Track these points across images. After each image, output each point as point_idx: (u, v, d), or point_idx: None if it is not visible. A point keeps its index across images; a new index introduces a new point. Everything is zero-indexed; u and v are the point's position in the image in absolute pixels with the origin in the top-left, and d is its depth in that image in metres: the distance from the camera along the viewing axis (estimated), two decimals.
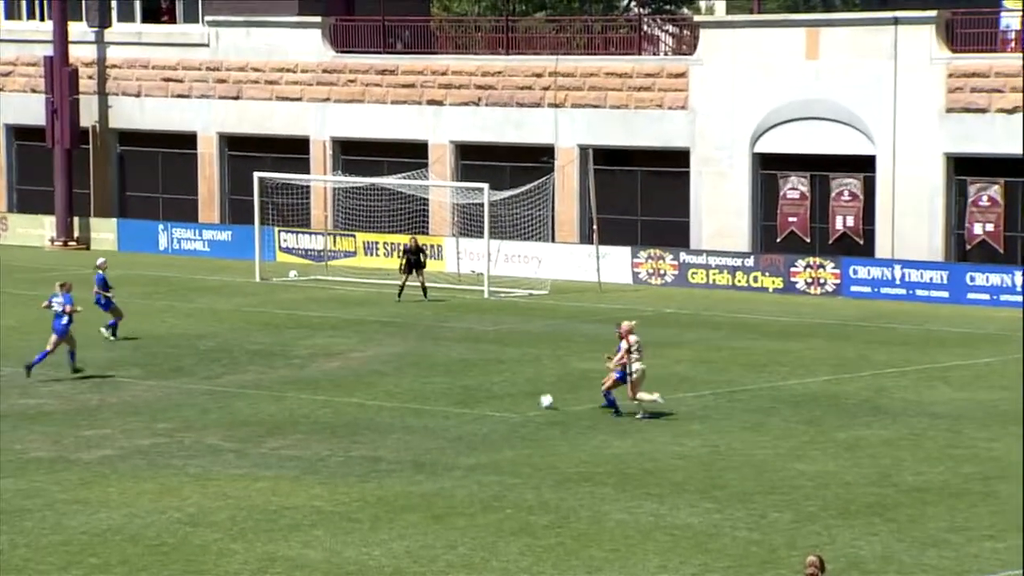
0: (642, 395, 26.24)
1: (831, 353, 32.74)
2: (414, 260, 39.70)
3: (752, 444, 24.55)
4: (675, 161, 45.16)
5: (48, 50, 51.15)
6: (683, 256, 43.36)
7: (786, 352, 32.80)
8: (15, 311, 37.38)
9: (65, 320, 29.19)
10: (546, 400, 27.01)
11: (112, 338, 33.41)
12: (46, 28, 51.82)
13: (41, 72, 51.59)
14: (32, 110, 52.17)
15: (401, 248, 41.00)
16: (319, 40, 49.32)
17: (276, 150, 49.65)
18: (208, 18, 50.66)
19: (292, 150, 49.44)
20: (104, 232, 51.00)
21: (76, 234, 51.21)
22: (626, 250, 43.96)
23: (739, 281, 42.49)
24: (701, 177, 44.72)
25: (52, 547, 19.18)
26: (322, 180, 48.21)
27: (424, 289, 39.64)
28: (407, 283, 39.56)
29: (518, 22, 54.07)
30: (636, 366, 26.05)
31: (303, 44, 49.47)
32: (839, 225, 43.04)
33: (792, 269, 41.99)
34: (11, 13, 53.42)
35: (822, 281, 41.69)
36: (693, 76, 44.77)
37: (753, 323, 36.82)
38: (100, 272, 33.82)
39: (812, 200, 43.40)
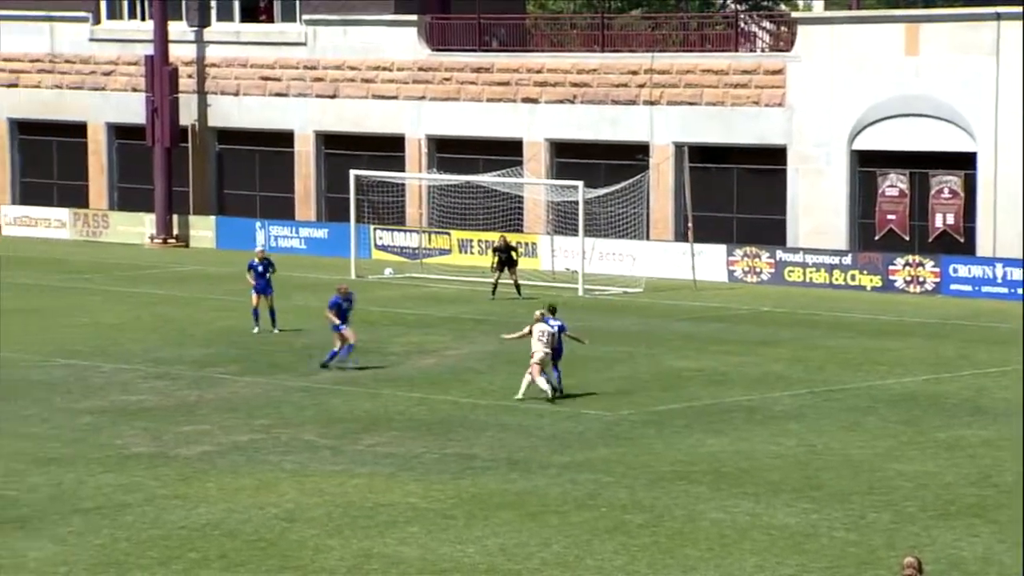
0: (540, 380, 26.96)
1: (930, 352, 32.40)
2: (505, 258, 39.77)
3: (849, 443, 24.35)
4: (772, 158, 44.87)
5: (149, 49, 51.80)
6: (779, 254, 43.06)
7: (884, 351, 32.50)
8: (115, 308, 37.90)
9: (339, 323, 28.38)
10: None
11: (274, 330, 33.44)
12: (147, 28, 52.47)
13: (142, 71, 52.26)
14: (132, 109, 52.85)
15: (492, 247, 41.05)
16: (415, 38, 49.53)
17: (372, 148, 49.93)
18: (305, 17, 51.05)
19: (388, 148, 49.71)
20: (202, 230, 51.55)
21: (175, 232, 51.82)
22: (721, 248, 43.74)
23: (836, 279, 42.13)
24: (798, 174, 44.39)
25: (152, 541, 19.44)
26: (417, 178, 48.41)
27: (517, 287, 39.69)
28: (500, 280, 39.62)
29: (614, 19, 53.97)
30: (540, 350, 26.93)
31: (399, 42, 49.72)
32: (939, 223, 42.56)
33: (891, 267, 41.58)
34: (113, 13, 54.16)
35: (921, 279, 41.24)
36: (790, 73, 44.45)
37: (850, 322, 36.52)
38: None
39: (911, 198, 42.95)
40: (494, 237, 46.02)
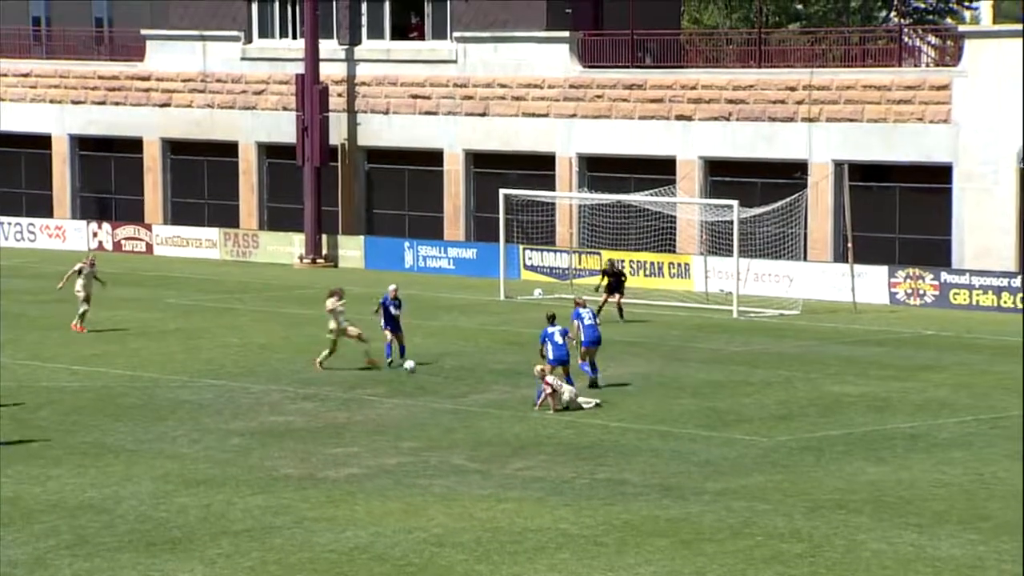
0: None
1: None
2: (613, 282, 39.28)
3: (1018, 473, 23.83)
4: (936, 177, 44.19)
5: (299, 68, 52.56)
6: (944, 276, 42.37)
7: None
8: (264, 328, 38.44)
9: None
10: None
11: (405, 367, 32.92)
12: (297, 46, 53.28)
13: (292, 90, 53.03)
14: (283, 128, 53.65)
15: (602, 269, 40.70)
16: (566, 55, 49.66)
17: (522, 167, 50.12)
18: (456, 34, 51.45)
19: (538, 166, 49.85)
20: (351, 250, 52.13)
21: (324, 251, 52.46)
22: (883, 269, 43.16)
23: (1004, 302, 41.32)
24: (964, 193, 43.67)
25: (300, 565, 19.64)
26: (568, 197, 48.48)
27: (620, 311, 39.12)
28: (608, 301, 39.06)
29: (771, 34, 53.61)
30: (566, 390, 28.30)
31: (550, 59, 49.88)
32: None
33: None
34: (264, 31, 55.07)
35: None
36: (956, 88, 43.76)
37: (1018, 346, 35.77)
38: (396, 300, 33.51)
39: None
40: (647, 257, 45.92)
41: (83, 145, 58.01)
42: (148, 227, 55.65)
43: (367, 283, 46.40)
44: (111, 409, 29.01)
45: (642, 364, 33.81)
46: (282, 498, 22.65)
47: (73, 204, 57.96)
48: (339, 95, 53.08)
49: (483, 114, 50.99)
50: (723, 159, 47.28)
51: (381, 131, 52.80)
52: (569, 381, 29.29)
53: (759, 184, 46.12)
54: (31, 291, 44.24)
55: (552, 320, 29.98)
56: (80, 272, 37.40)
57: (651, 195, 45.48)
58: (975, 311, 41.29)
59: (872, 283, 42.96)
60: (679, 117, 47.85)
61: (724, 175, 47.16)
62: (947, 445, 25.89)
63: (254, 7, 54.87)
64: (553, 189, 48.97)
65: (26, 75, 58.45)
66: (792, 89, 46.15)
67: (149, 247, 55.11)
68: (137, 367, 33.22)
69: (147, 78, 56.42)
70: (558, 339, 29.26)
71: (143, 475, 23.96)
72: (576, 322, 30.31)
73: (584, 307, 30.63)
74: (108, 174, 57.69)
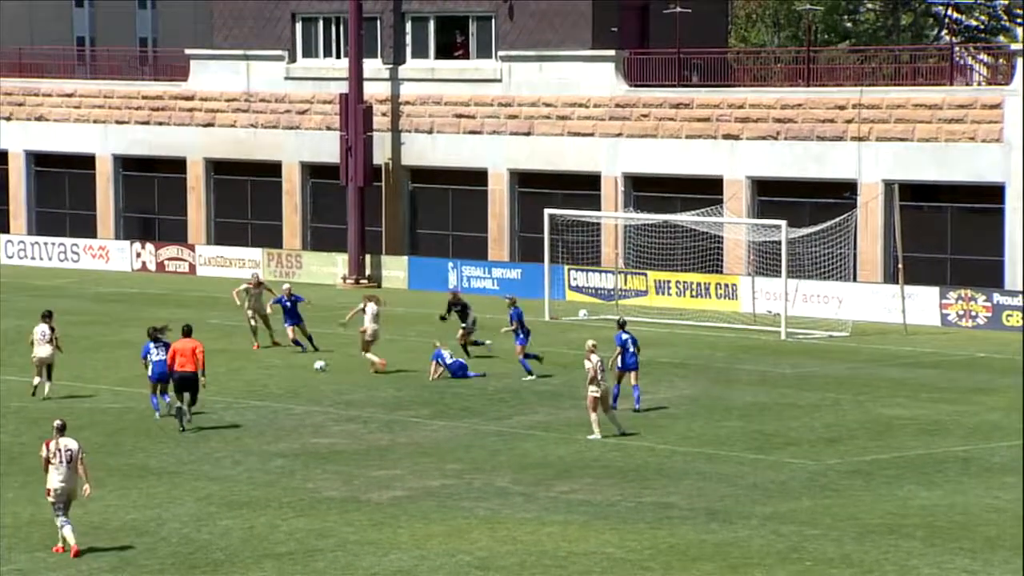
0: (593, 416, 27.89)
1: None
2: (459, 312, 37.26)
3: None
4: (988, 197, 43.95)
5: (343, 87, 52.77)
6: (997, 297, 42.10)
7: None
8: (308, 349, 38.48)
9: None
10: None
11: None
12: (341, 65, 53.49)
13: (336, 110, 53.23)
14: (326, 148, 53.85)
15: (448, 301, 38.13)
16: (612, 74, 49.68)
17: (567, 186, 50.13)
18: (501, 53, 51.56)
19: (583, 186, 49.85)
20: (395, 270, 52.24)
21: (368, 272, 52.57)
22: (934, 290, 42.93)
23: None
24: (1016, 214, 43.40)
25: None
26: (613, 217, 48.45)
27: (466, 348, 36.70)
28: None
29: (820, 52, 53.49)
30: (592, 387, 27.70)
31: (596, 78, 49.91)
32: None
33: None
34: (308, 51, 55.32)
35: None
36: (1009, 107, 43.53)
37: None
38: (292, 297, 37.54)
39: None
40: (692, 278, 45.83)
41: (127, 165, 58.37)
42: (191, 247, 55.92)
43: (411, 303, 46.46)
44: (153, 431, 29.12)
45: (689, 386, 33.72)
46: (325, 521, 22.68)
47: (116, 224, 58.30)
48: (383, 115, 53.24)
49: (528, 133, 51.05)
50: (771, 179, 47.15)
51: (425, 151, 52.92)
52: (635, 388, 30.40)
53: (808, 204, 45.97)
54: (74, 311, 44.50)
55: (623, 327, 30.71)
56: (247, 292, 38.88)
57: (698, 215, 45.39)
58: None
59: (923, 304, 42.72)
60: (726, 136, 47.77)
61: (772, 195, 47.03)
62: (1000, 469, 25.70)
63: (298, 26, 55.15)
64: (598, 209, 48.95)
65: (70, 95, 58.90)
66: (841, 108, 46.02)
67: (192, 267, 55.38)
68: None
69: (191, 98, 56.74)
70: (630, 347, 30.24)
71: (186, 497, 24.04)
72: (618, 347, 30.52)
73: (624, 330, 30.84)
74: (151, 194, 58.03)
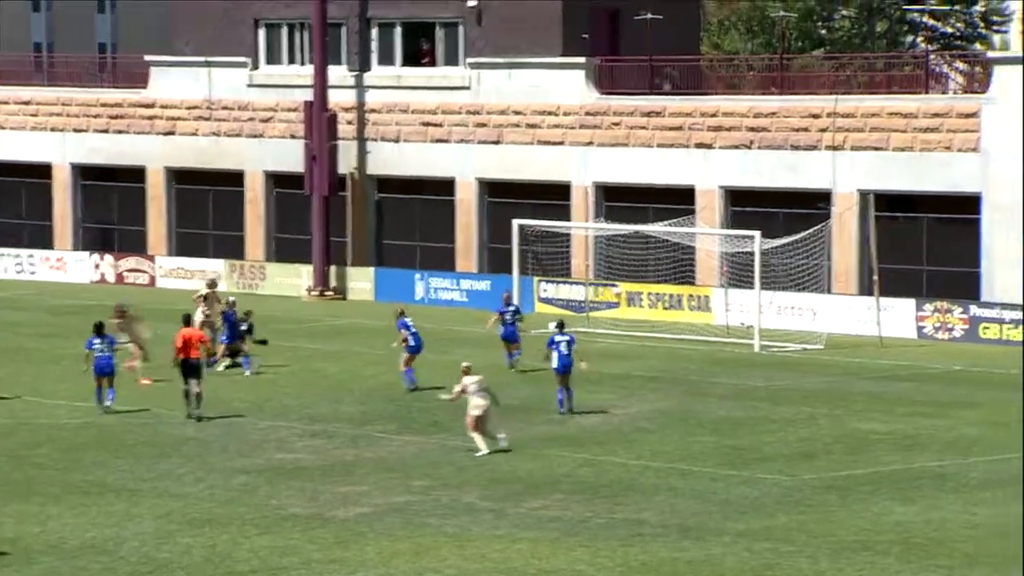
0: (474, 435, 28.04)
1: None
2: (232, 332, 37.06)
3: None
4: (964, 207, 44.16)
5: (307, 95, 52.71)
6: (973, 309, 42.30)
7: None
8: (271, 363, 38.41)
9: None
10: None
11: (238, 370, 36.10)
12: (306, 72, 53.42)
13: (300, 118, 53.17)
14: (290, 157, 53.77)
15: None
16: (582, 81, 49.77)
17: (536, 196, 50.17)
18: (469, 60, 51.59)
19: (553, 196, 49.90)
20: (361, 281, 52.18)
21: (333, 283, 52.51)
22: (910, 302, 43.10)
23: None
24: (993, 225, 43.62)
25: None
26: (584, 227, 48.52)
27: (222, 358, 36.91)
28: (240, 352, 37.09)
29: (793, 60, 53.71)
30: (477, 401, 28.05)
31: (566, 85, 49.99)
32: None
33: None
34: (271, 58, 55.24)
35: None
36: (985, 116, 43.77)
37: None
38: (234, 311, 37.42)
39: None
40: (666, 289, 45.91)
41: (85, 174, 58.18)
42: (151, 259, 55.76)
43: (377, 316, 46.41)
44: (113, 446, 29.04)
45: (661, 400, 33.78)
46: (289, 538, 22.64)
47: (75, 235, 58.09)
48: (348, 123, 53.21)
49: (497, 142, 51.09)
50: (744, 188, 47.30)
51: (391, 160, 52.90)
52: (569, 392, 31.37)
53: (781, 214, 46.13)
54: (30, 324, 44.33)
55: (561, 327, 31.51)
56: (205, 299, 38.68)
57: (670, 225, 45.49)
58: (1006, 346, 41.19)
59: (899, 317, 42.89)
60: (699, 145, 47.90)
61: (745, 205, 47.17)
62: (978, 485, 25.81)
63: (261, 32, 55.10)
64: (568, 219, 49.01)
65: (27, 102, 58.70)
66: (815, 116, 46.19)
67: (152, 279, 55.21)
68: (140, 403, 33.24)
69: (151, 105, 56.61)
70: (564, 349, 31.19)
71: (146, 514, 23.97)
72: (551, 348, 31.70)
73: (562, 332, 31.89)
74: (110, 204, 57.84)
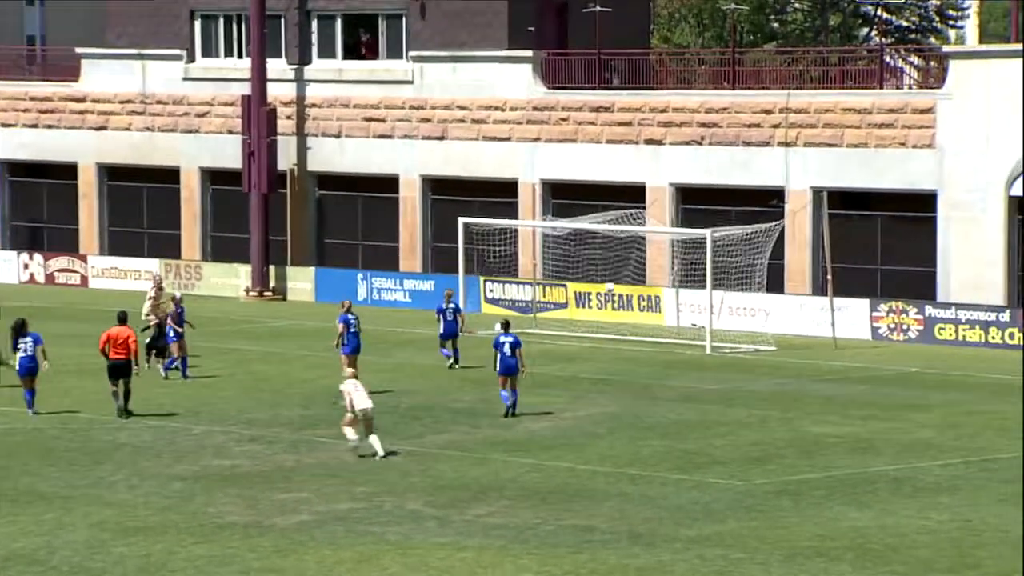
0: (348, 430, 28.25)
1: None
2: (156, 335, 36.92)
3: (1009, 519, 23.97)
4: (920, 205, 44.48)
5: (245, 89, 52.57)
6: (929, 310, 42.62)
7: None
8: (207, 366, 38.30)
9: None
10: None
11: (166, 376, 36.01)
12: (243, 65, 53.28)
13: (238, 112, 53.01)
14: (228, 152, 53.61)
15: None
16: (529, 75, 49.84)
17: (482, 194, 50.22)
18: (412, 53, 51.57)
19: (499, 193, 49.96)
20: (301, 282, 52.08)
21: (272, 284, 52.38)
22: (864, 303, 43.38)
23: (993, 338, 41.59)
24: (949, 223, 43.96)
25: None
26: (531, 225, 48.60)
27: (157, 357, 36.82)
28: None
29: (745, 54, 53.95)
30: (367, 404, 28.22)
31: (512, 80, 50.05)
32: None
33: None
34: (208, 50, 55.04)
35: None
36: (941, 111, 44.10)
37: (1009, 384, 35.99)
38: (182, 306, 37.01)
39: None
40: (616, 289, 46.00)
41: (13, 171, 57.81)
42: (83, 258, 55.47)
43: (318, 317, 46.32)
44: (43, 453, 28.87)
45: (610, 403, 33.86)
46: (227, 547, 22.58)
47: (3, 234, 57.72)
48: (288, 117, 53.10)
49: (441, 138, 51.09)
50: (695, 186, 47.47)
51: (332, 156, 52.82)
52: (514, 393, 31.64)
53: (733, 212, 46.33)
54: None
55: (506, 328, 31.93)
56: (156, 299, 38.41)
57: (618, 223, 45.60)
58: (962, 347, 41.52)
59: (853, 317, 43.15)
60: (648, 141, 48.06)
61: (696, 203, 47.36)
62: (933, 489, 26.00)
63: (197, 24, 54.90)
64: (515, 217, 49.08)
65: None
66: (768, 112, 46.42)
67: (84, 279, 54.93)
68: (71, 407, 33.07)
69: (82, 99, 56.31)
70: (507, 350, 31.40)
71: (78, 523, 23.85)
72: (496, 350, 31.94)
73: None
74: (40, 201, 57.50)
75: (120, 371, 31.33)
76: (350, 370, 29.90)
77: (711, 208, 46.69)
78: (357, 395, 28.32)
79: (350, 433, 28.36)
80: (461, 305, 41.72)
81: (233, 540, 22.97)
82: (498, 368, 31.91)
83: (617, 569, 21.47)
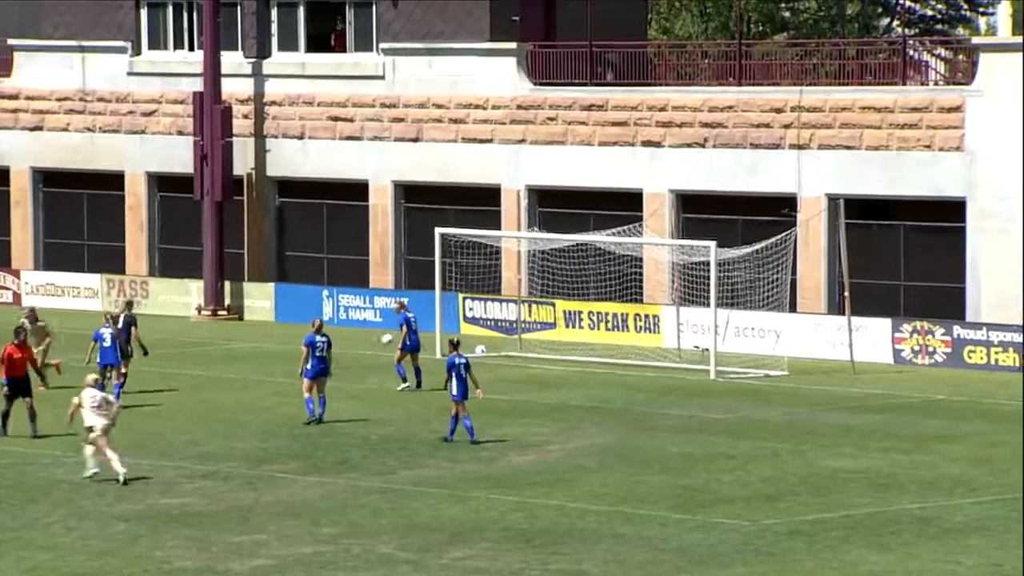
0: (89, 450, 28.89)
1: None
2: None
3: None
4: (947, 214, 44.62)
5: (197, 85, 52.62)
6: (957, 330, 42.73)
7: None
8: (154, 393, 38.28)
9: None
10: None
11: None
12: (195, 59, 53.33)
13: (189, 111, 53.06)
14: (178, 156, 53.63)
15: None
16: (513, 70, 49.95)
17: (461, 202, 50.30)
18: (383, 46, 51.66)
19: (480, 201, 50.04)
20: (259, 299, 52.10)
21: (227, 302, 52.39)
22: (886, 322, 43.50)
23: None
24: (980, 234, 44.09)
25: None
26: (515, 237, 48.67)
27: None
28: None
29: (753, 46, 54.11)
30: (97, 421, 28.66)
31: (495, 75, 50.15)
32: None
33: None
34: (155, 43, 55.06)
35: None
36: (970, 110, 44.26)
37: None
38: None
39: None
40: (610, 308, 46.08)
41: None
42: (16, 273, 55.43)
43: (278, 339, 46.32)
44: None
45: (603, 433, 33.90)
46: None
47: None
48: (245, 117, 53.16)
49: (415, 139, 51.18)
50: (698, 192, 47.59)
51: (295, 159, 52.87)
52: (467, 420, 32.01)
53: (740, 222, 46.44)
54: None
55: (456, 346, 32.57)
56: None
57: (614, 235, 45.69)
58: (994, 371, 41.63)
59: (873, 338, 43.25)
60: (646, 143, 48.17)
61: (699, 211, 47.47)
62: (962, 530, 26.07)
63: (143, 14, 54.96)
64: (498, 228, 49.14)
65: None
66: (778, 111, 46.55)
67: (17, 297, 54.88)
68: (2, 441, 33.01)
69: (15, 96, 56.33)
70: (462, 372, 32.08)
71: (10, 569, 23.82)
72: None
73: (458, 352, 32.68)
74: None
75: (22, 390, 32.56)
76: (92, 376, 30.09)
77: (715, 218, 46.80)
78: (88, 410, 28.70)
79: (89, 455, 28.93)
80: (437, 326, 41.78)
81: None
82: (456, 392, 32.18)
83: None
